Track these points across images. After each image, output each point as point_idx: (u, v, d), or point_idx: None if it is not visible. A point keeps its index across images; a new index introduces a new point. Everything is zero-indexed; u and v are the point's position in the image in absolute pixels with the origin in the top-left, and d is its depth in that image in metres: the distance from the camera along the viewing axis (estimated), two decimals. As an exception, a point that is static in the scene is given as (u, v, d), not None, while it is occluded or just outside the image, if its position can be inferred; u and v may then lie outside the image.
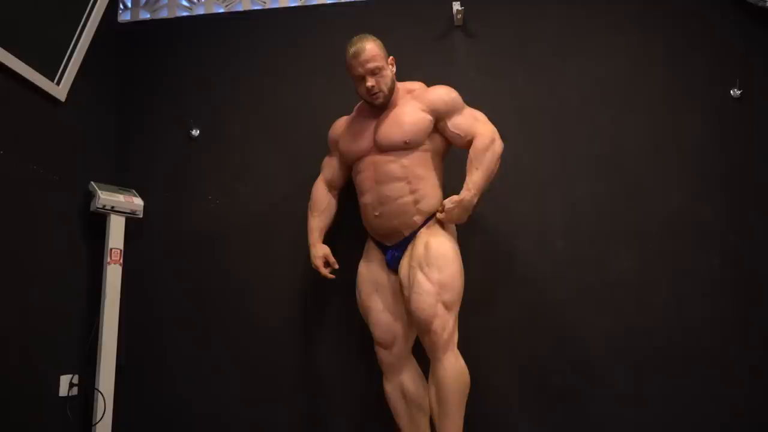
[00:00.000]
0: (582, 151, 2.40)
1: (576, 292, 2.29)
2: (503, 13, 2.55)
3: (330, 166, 2.28)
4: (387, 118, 2.08)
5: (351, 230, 2.31)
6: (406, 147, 2.03)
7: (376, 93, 2.04)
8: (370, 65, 2.01)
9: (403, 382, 2.09)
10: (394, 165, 2.03)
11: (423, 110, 2.07)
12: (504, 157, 2.39)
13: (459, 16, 2.50)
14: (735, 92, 2.33)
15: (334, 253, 2.22)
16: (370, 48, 2.01)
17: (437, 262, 1.91)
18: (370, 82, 2.02)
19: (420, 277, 1.90)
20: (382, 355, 2.10)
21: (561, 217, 2.36)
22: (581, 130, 2.41)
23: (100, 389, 2.30)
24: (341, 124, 2.26)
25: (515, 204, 2.40)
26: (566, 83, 2.46)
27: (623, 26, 2.46)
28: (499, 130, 2.41)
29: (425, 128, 2.05)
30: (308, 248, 2.21)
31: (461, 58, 2.53)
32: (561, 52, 2.48)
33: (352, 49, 2.03)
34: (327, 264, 2.20)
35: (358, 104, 2.24)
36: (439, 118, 2.08)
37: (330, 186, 2.28)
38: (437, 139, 2.08)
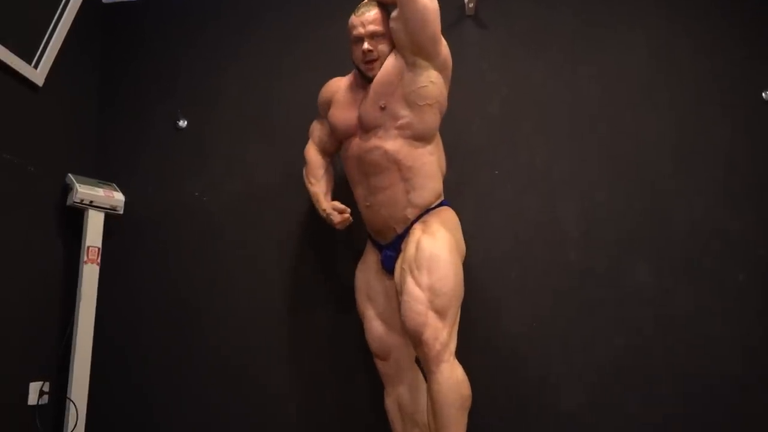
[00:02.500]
0: (599, 153, 2.38)
1: (589, 306, 2.28)
2: (518, 2, 2.54)
3: (319, 131, 2.27)
4: (370, 89, 2.04)
5: (349, 228, 2.26)
6: (385, 114, 1.98)
7: (371, 61, 2.01)
8: (372, 27, 2.00)
9: (400, 394, 2.08)
10: (377, 153, 1.99)
11: (392, 64, 2.01)
12: (514, 157, 2.42)
13: (471, 4, 2.49)
14: (767, 95, 2.32)
15: (332, 256, 2.18)
16: (377, 12, 2.01)
17: (428, 264, 1.86)
18: (368, 45, 1.99)
19: (409, 281, 1.87)
20: (380, 366, 2.10)
21: (575, 223, 2.35)
22: (599, 131, 2.40)
23: (72, 398, 2.29)
24: (334, 86, 2.21)
25: (525, 208, 2.38)
26: (584, 79, 2.44)
27: (647, 19, 2.45)
28: (511, 128, 2.44)
29: (397, 73, 1.98)
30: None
31: (472, 50, 2.51)
32: (579, 46, 2.47)
33: (357, 10, 2.05)
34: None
35: (354, 71, 2.18)
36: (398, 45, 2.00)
37: (323, 152, 2.27)
38: (424, 111, 1.99)
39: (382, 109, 1.99)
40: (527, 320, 2.30)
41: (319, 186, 2.19)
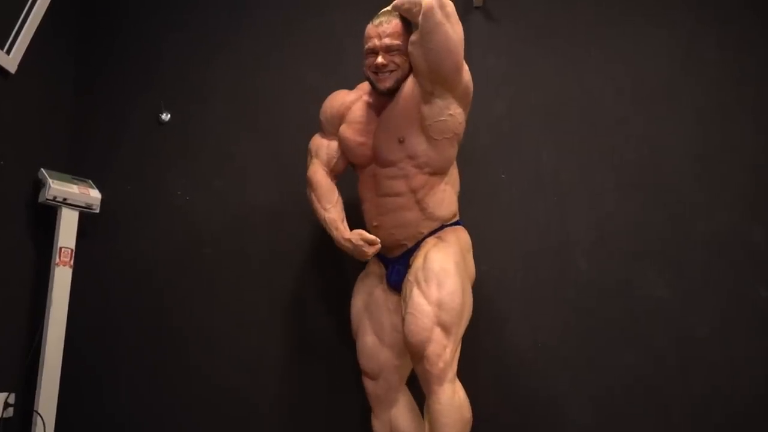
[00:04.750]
0: (614, 156, 2.37)
1: (600, 322, 2.27)
2: (530, -7, 2.55)
3: (327, 150, 2.19)
4: (386, 117, 2.04)
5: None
6: (404, 150, 1.99)
7: (384, 75, 1.99)
8: (388, 41, 1.96)
9: (392, 418, 2.06)
10: (396, 182, 2.02)
11: (411, 92, 1.99)
12: (522, 160, 2.43)
13: (479, -6, 2.50)
14: (797, 98, 2.32)
15: (329, 263, 2.18)
16: (396, 24, 1.97)
17: (436, 278, 1.87)
18: (382, 59, 1.96)
19: (416, 294, 1.88)
20: (369, 386, 2.09)
21: (585, 232, 2.33)
22: (614, 133, 2.39)
23: (39, 411, 2.27)
24: (341, 101, 2.18)
25: (533, 215, 2.37)
26: (599, 77, 2.43)
27: (668, 15, 2.44)
28: (519, 127, 2.47)
29: (414, 103, 1.96)
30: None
31: (480, 43, 2.48)
32: (595, 41, 2.46)
33: (376, 18, 2.01)
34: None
35: (364, 84, 2.15)
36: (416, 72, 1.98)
37: (330, 172, 2.19)
38: (443, 146, 2.00)
39: (401, 142, 1.99)
40: (533, 335, 2.29)
41: (334, 212, 2.10)
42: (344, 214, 2.12)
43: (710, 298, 2.23)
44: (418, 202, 2.02)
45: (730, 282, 2.23)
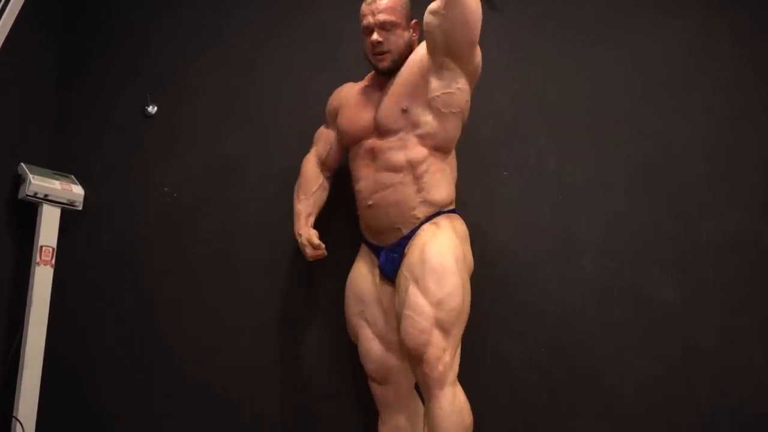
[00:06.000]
0: (621, 154, 2.35)
1: (606, 327, 2.25)
2: (535, -18, 2.53)
3: (325, 140, 2.27)
4: (389, 89, 2.07)
5: (345, 232, 2.28)
6: (407, 119, 2.01)
7: (382, 53, 2.03)
8: (383, 17, 2.01)
9: (400, 425, 2.06)
10: (396, 154, 2.01)
11: (418, 63, 2.04)
12: (525, 157, 2.42)
13: (481, -17, 2.47)
14: (814, 94, 2.31)
15: (324, 262, 2.18)
16: None
17: (435, 275, 1.87)
18: (378, 36, 2.01)
19: (412, 293, 1.88)
20: (376, 391, 2.09)
21: (591, 234, 2.31)
22: (622, 130, 2.36)
23: (18, 417, 2.26)
24: (345, 92, 2.25)
25: (535, 216, 2.35)
26: (607, 72, 2.41)
27: (680, 7, 2.42)
28: (521, 124, 2.47)
29: (422, 74, 2.01)
30: (294, 243, 2.17)
31: (482, 35, 2.44)
32: (603, 34, 2.44)
33: None
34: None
35: (371, 75, 2.22)
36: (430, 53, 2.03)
37: (322, 165, 2.28)
38: (448, 120, 2.02)
39: (404, 111, 2.01)
40: (535, 342, 2.28)
41: (305, 204, 2.21)
42: (317, 209, 2.22)
43: (721, 302, 2.21)
44: (416, 180, 2.01)
45: (742, 286, 2.21)
